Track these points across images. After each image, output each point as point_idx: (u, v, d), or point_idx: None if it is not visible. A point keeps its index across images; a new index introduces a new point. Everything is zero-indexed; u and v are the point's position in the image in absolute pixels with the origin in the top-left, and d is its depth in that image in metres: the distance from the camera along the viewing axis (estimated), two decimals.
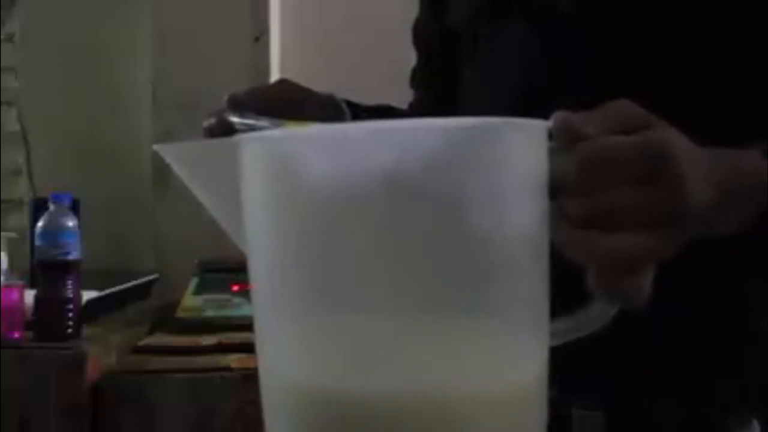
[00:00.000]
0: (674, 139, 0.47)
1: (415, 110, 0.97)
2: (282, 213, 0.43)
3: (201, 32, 2.13)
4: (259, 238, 0.44)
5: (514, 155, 0.43)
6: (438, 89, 0.91)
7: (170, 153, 0.45)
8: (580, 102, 0.49)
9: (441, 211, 0.41)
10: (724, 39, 0.69)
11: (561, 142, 0.46)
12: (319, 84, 0.85)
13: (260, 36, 2.14)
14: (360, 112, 0.85)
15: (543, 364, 0.46)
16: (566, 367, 0.64)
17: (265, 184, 0.43)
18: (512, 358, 0.45)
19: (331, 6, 2.20)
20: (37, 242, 1.55)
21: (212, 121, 0.74)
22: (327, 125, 0.54)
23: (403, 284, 0.41)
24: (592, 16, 0.72)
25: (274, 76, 2.16)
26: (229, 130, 0.73)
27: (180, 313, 1.80)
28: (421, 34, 0.95)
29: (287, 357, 0.44)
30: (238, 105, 0.74)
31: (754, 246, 0.61)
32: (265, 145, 0.43)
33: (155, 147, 0.45)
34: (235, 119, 0.72)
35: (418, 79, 0.97)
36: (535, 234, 0.44)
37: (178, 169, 0.45)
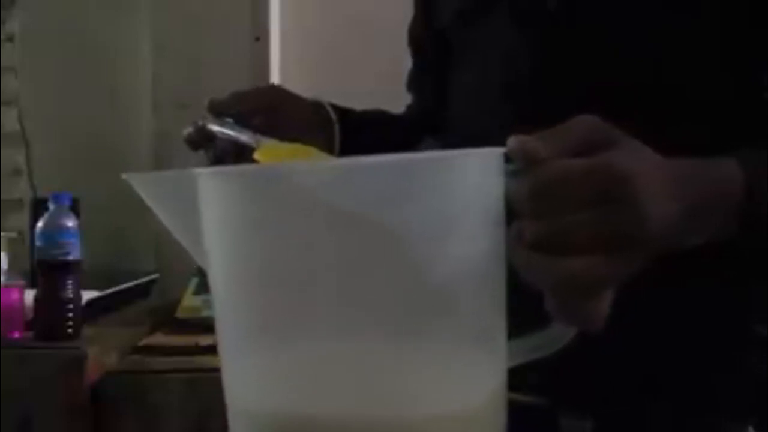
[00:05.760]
0: (633, 159, 0.46)
1: (412, 113, 0.97)
2: (236, 242, 0.45)
3: (201, 32, 2.13)
4: (217, 264, 0.46)
5: (463, 184, 0.44)
6: (432, 92, 0.91)
7: (137, 181, 0.46)
8: (570, 101, 0.49)
9: (389, 242, 0.42)
10: (715, 38, 0.69)
11: (517, 165, 0.45)
12: (318, 84, 0.84)
13: (260, 36, 2.14)
14: (349, 117, 0.85)
15: (498, 385, 0.47)
16: (555, 375, 0.64)
17: (220, 216, 0.45)
18: (465, 380, 0.45)
19: (331, 6, 2.20)
20: (37, 242, 1.55)
21: (191, 130, 0.73)
22: (278, 164, 0.56)
23: (356, 311, 0.42)
24: (580, 15, 0.72)
25: (274, 76, 2.16)
26: (208, 139, 0.72)
27: (180, 313, 1.80)
28: (414, 37, 0.95)
29: (245, 380, 0.46)
30: (219, 111, 0.73)
31: (748, 251, 0.61)
32: (219, 181, 0.45)
33: (124, 176, 0.46)
34: (214, 128, 0.71)
35: (413, 82, 0.97)
36: (488, 259, 0.45)
37: (145, 196, 0.46)
